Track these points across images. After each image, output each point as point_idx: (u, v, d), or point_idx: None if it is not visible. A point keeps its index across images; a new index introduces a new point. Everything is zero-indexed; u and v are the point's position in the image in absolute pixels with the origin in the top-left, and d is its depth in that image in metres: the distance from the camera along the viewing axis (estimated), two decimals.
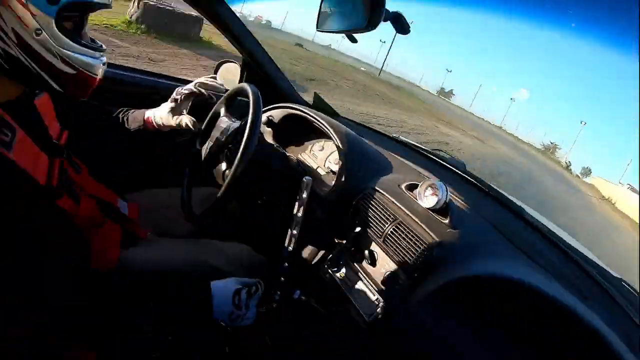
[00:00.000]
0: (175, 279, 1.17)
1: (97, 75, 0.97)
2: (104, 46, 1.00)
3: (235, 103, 1.50)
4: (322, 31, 1.24)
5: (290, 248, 1.24)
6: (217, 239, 1.43)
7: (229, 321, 1.08)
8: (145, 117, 1.40)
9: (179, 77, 2.12)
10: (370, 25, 1.03)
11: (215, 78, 1.45)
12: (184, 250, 1.32)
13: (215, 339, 1.17)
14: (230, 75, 2.01)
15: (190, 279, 1.15)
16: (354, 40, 1.16)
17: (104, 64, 1.00)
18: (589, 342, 0.87)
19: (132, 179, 1.60)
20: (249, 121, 1.18)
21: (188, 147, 1.54)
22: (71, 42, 0.89)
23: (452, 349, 0.98)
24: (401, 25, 1.04)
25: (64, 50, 0.88)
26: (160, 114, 1.39)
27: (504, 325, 0.98)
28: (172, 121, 1.38)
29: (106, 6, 0.96)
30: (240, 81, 1.98)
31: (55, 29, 0.85)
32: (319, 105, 1.96)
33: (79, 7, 0.90)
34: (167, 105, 1.40)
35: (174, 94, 1.39)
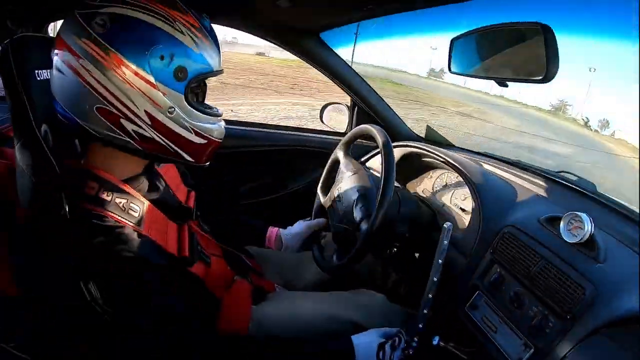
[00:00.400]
0: (312, 334, 1.21)
1: (218, 139, 1.00)
2: (220, 110, 1.03)
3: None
4: (458, 74, 1.24)
5: (431, 295, 1.23)
6: (344, 289, 1.44)
7: None
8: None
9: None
10: (548, 77, 0.97)
11: None
12: (315, 303, 1.32)
13: None
14: (336, 117, 2.08)
15: (328, 335, 1.18)
16: (505, 85, 1.14)
17: (223, 127, 1.03)
18: None
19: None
20: (384, 169, 1.20)
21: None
22: (200, 114, 0.93)
23: None
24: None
25: (196, 123, 0.92)
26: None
27: None
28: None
29: (220, 72, 0.98)
30: (350, 122, 2.03)
31: (186, 104, 0.89)
32: (433, 137, 1.96)
33: (201, 78, 0.93)
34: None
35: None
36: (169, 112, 0.88)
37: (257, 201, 2.10)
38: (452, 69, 1.25)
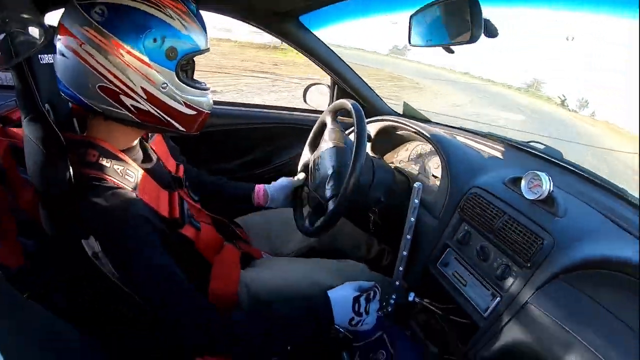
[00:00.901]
0: (297, 298, 1.30)
1: (207, 110, 1.12)
2: (207, 84, 1.14)
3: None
4: (416, 45, 1.33)
5: (405, 253, 1.33)
6: (328, 257, 1.53)
7: (349, 326, 1.17)
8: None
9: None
10: (473, 39, 1.12)
11: None
12: (300, 270, 1.41)
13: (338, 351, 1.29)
14: (319, 97, 2.16)
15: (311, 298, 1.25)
16: (451, 52, 1.24)
17: (211, 102, 1.14)
18: None
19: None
20: (357, 133, 1.28)
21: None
22: (190, 88, 1.04)
23: (566, 329, 0.99)
24: (489, 30, 1.11)
25: (186, 96, 1.03)
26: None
27: (619, 307, 0.96)
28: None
29: (207, 51, 1.08)
30: (331, 100, 2.11)
31: (177, 79, 1.00)
32: (410, 113, 2.05)
33: (190, 56, 1.03)
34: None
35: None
36: (162, 87, 0.99)
37: (242, 176, 2.17)
38: (412, 42, 1.38)
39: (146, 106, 0.99)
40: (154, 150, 1.25)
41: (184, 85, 1.03)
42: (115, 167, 1.01)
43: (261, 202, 1.58)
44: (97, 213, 0.95)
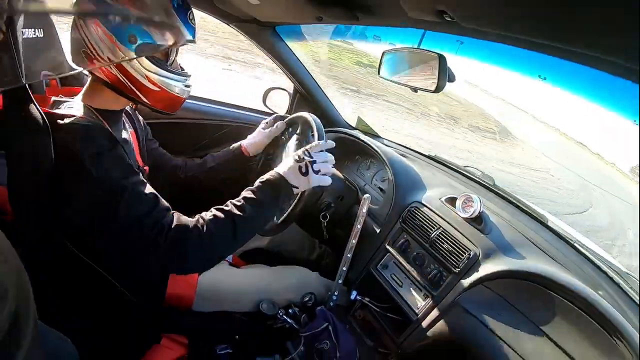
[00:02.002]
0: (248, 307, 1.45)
1: (177, 93, 1.24)
2: (188, 72, 1.27)
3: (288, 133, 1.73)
4: (384, 78, 1.49)
5: (349, 255, 1.49)
6: (273, 257, 1.66)
7: (303, 177, 1.26)
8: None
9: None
10: (438, 89, 1.27)
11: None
12: (251, 278, 1.53)
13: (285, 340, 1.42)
14: (279, 101, 2.27)
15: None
16: (415, 91, 1.40)
17: (187, 87, 1.26)
18: (599, 322, 1.06)
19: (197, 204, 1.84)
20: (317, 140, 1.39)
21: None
22: (155, 67, 1.16)
23: (486, 326, 1.20)
24: (449, 76, 1.29)
25: (148, 72, 1.16)
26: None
27: (529, 309, 1.19)
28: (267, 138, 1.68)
29: (192, 42, 1.21)
30: (291, 106, 2.23)
31: (144, 57, 1.13)
32: (363, 127, 2.21)
33: (154, 47, 1.16)
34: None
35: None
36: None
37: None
38: (381, 74, 1.53)
39: (114, 71, 1.14)
40: (130, 139, 1.36)
41: (150, 63, 1.15)
42: (91, 115, 1.13)
43: (249, 153, 1.68)
44: (69, 153, 1.02)
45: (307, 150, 1.28)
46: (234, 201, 1.19)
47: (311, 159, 1.25)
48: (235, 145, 1.69)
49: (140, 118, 1.51)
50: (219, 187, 1.72)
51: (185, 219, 1.10)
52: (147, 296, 1.32)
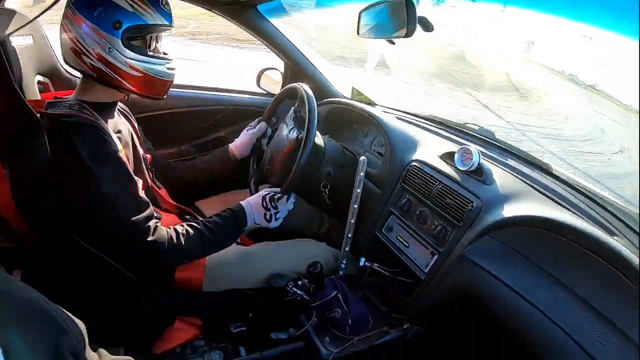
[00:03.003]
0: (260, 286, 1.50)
1: (161, 77, 1.31)
2: (169, 55, 1.35)
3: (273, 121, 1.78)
4: (363, 37, 1.48)
5: (353, 220, 1.47)
6: (281, 233, 1.66)
7: (266, 222, 1.42)
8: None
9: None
10: (408, 34, 1.30)
11: None
12: (259, 257, 1.55)
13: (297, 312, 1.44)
14: (272, 82, 2.26)
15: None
16: (392, 43, 1.40)
17: (170, 69, 1.33)
18: (611, 263, 1.02)
19: (197, 189, 1.87)
20: (308, 112, 1.41)
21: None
22: (135, 54, 1.23)
23: (496, 277, 1.17)
24: (426, 25, 1.28)
25: (129, 60, 1.22)
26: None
27: (537, 256, 1.16)
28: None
29: (168, 27, 1.30)
30: (284, 84, 2.21)
31: (122, 46, 1.20)
32: (358, 97, 2.19)
33: (140, 30, 1.24)
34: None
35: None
36: (109, 50, 1.19)
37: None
38: (359, 33, 1.54)
39: (99, 64, 1.20)
40: (129, 127, 1.45)
41: (129, 50, 1.22)
42: (87, 112, 1.19)
43: (236, 155, 1.77)
44: (66, 149, 1.11)
45: (273, 202, 1.44)
46: (205, 221, 1.35)
47: (276, 210, 1.44)
48: (224, 147, 1.78)
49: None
50: (205, 188, 1.87)
51: (161, 231, 1.23)
52: (156, 281, 1.35)
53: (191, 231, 1.28)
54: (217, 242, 1.35)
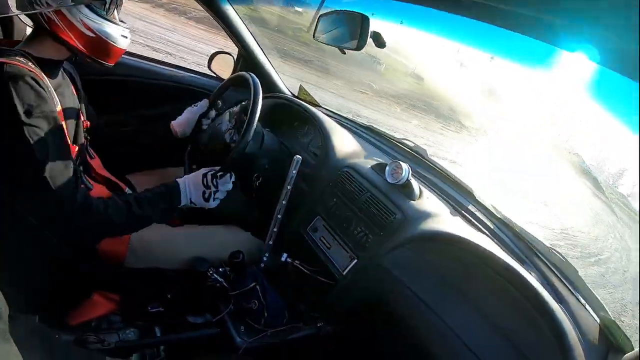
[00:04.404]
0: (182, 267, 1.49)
1: (113, 42, 1.26)
2: (126, 24, 1.31)
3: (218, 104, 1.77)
4: (317, 40, 1.52)
5: (279, 216, 1.52)
6: (208, 217, 1.65)
7: (204, 201, 1.41)
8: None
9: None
10: (358, 47, 1.34)
11: None
12: (184, 239, 1.57)
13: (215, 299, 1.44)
14: (223, 66, 2.25)
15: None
16: (343, 53, 1.45)
17: (124, 37, 1.29)
18: (521, 293, 1.13)
19: (131, 162, 1.85)
20: (252, 100, 1.42)
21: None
22: (93, 14, 1.20)
23: (408, 287, 1.27)
24: (379, 41, 1.34)
25: (84, 18, 1.18)
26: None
27: (451, 274, 1.27)
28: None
29: None
30: (235, 71, 2.21)
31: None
32: (304, 97, 2.23)
33: None
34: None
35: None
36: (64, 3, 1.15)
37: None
38: (315, 37, 1.55)
39: (53, 16, 1.15)
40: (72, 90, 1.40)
41: (88, 10, 1.19)
42: (30, 64, 1.14)
43: (177, 134, 1.70)
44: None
45: (215, 179, 1.41)
46: (136, 195, 1.32)
47: (216, 190, 1.41)
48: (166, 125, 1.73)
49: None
50: (139, 162, 1.86)
51: (88, 200, 1.20)
52: (78, 248, 1.34)
53: (120, 203, 1.26)
54: (146, 217, 1.32)
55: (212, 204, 1.42)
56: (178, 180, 1.39)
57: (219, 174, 1.40)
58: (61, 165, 1.14)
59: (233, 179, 1.45)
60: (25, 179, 1.12)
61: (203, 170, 1.41)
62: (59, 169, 1.13)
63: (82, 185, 1.28)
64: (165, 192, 1.36)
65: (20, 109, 1.04)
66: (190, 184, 1.39)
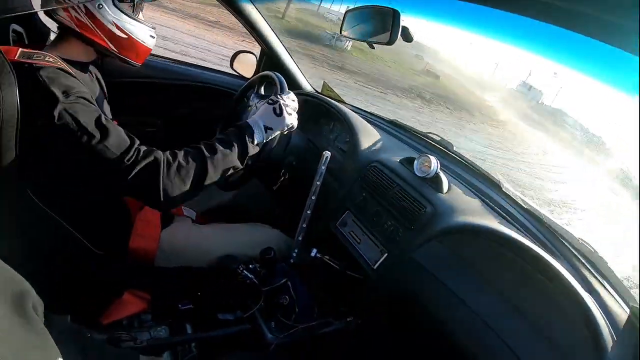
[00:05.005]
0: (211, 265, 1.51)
1: (144, 42, 1.30)
2: (151, 24, 1.33)
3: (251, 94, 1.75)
4: (345, 36, 1.51)
5: (309, 212, 1.51)
6: (235, 215, 1.69)
7: (276, 117, 1.33)
8: None
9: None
10: (390, 41, 1.33)
11: None
12: (214, 238, 1.58)
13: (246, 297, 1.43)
14: (246, 65, 2.26)
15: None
16: (372, 47, 1.44)
17: (152, 37, 1.33)
18: (548, 279, 1.12)
19: None
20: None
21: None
22: (124, 15, 1.23)
23: (440, 281, 1.25)
24: (406, 36, 1.33)
25: (116, 20, 1.21)
26: None
27: (482, 265, 1.25)
28: None
29: None
30: (258, 70, 2.22)
31: (113, 5, 1.20)
32: (328, 93, 2.23)
33: None
34: None
35: None
36: (99, 6, 1.18)
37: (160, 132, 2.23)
38: (342, 32, 1.55)
39: (84, 19, 1.18)
40: (103, 89, 1.43)
41: (119, 10, 1.21)
42: (60, 64, 1.14)
43: None
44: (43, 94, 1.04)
45: (277, 94, 1.36)
46: (205, 141, 1.23)
47: (284, 101, 1.35)
48: None
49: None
50: None
51: (157, 153, 1.14)
52: (110, 248, 1.35)
53: (189, 149, 1.20)
54: (221, 159, 1.21)
55: (289, 118, 1.35)
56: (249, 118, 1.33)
57: (278, 92, 1.38)
58: (113, 130, 1.10)
59: (294, 96, 1.41)
60: (80, 152, 1.07)
61: (261, 101, 1.40)
62: (111, 132, 1.09)
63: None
64: (234, 131, 1.28)
65: (58, 93, 1.04)
66: (257, 112, 1.34)
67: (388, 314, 1.45)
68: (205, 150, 1.19)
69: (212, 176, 1.21)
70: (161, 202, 1.15)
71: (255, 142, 1.29)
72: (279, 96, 1.35)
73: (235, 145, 1.24)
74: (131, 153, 1.10)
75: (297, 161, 1.63)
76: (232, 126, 1.30)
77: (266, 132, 1.30)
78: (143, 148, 1.13)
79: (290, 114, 1.35)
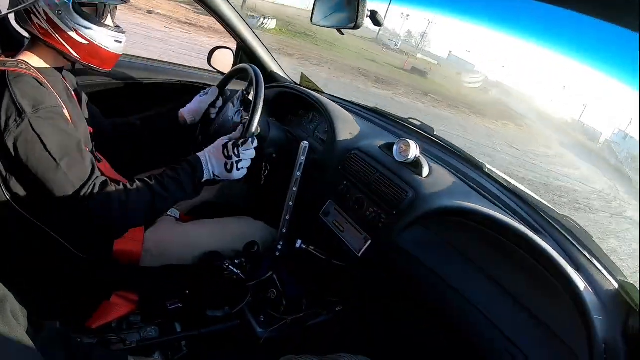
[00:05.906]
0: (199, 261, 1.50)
1: (106, 47, 1.26)
2: (121, 28, 1.31)
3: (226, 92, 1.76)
4: (316, 25, 1.50)
5: (291, 203, 1.51)
6: (220, 209, 1.68)
7: (227, 172, 1.33)
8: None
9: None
10: (356, 25, 1.32)
11: None
12: (199, 235, 1.57)
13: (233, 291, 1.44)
14: (223, 61, 2.24)
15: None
16: (342, 33, 1.43)
17: (118, 41, 1.29)
18: (538, 260, 1.12)
19: (139, 163, 1.83)
20: (255, 92, 1.41)
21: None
22: (85, 21, 1.19)
23: (425, 265, 1.26)
24: (376, 19, 1.32)
25: (77, 26, 1.19)
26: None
27: (467, 248, 1.26)
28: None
29: (124, 1, 1.27)
30: (235, 65, 2.20)
31: (72, 11, 1.16)
32: (307, 84, 2.22)
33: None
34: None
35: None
36: (58, 12, 1.15)
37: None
38: (313, 21, 1.53)
39: (45, 25, 1.16)
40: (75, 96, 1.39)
41: (78, 16, 1.18)
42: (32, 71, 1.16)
43: (187, 122, 1.71)
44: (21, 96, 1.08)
45: (237, 148, 1.33)
46: (156, 175, 1.27)
47: (239, 159, 1.33)
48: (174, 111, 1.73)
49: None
50: (147, 160, 1.81)
51: (110, 187, 1.18)
52: (93, 252, 1.33)
53: (141, 186, 1.23)
54: (169, 197, 1.27)
55: (237, 174, 1.35)
56: (198, 154, 1.34)
57: (240, 142, 1.34)
58: (76, 154, 1.14)
59: (255, 144, 1.38)
60: (39, 172, 1.10)
61: (222, 140, 1.35)
62: (73, 159, 1.13)
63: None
64: (186, 168, 1.31)
65: (27, 106, 1.06)
66: (211, 156, 1.34)
67: (375, 301, 1.46)
68: (155, 187, 1.24)
69: (161, 212, 1.37)
70: (112, 229, 1.30)
71: (204, 180, 1.34)
72: (236, 151, 1.33)
73: (184, 184, 1.29)
74: (87, 187, 1.14)
75: (278, 154, 1.62)
76: (182, 162, 1.32)
77: (213, 177, 1.34)
78: (99, 181, 1.17)
79: (239, 170, 1.35)
